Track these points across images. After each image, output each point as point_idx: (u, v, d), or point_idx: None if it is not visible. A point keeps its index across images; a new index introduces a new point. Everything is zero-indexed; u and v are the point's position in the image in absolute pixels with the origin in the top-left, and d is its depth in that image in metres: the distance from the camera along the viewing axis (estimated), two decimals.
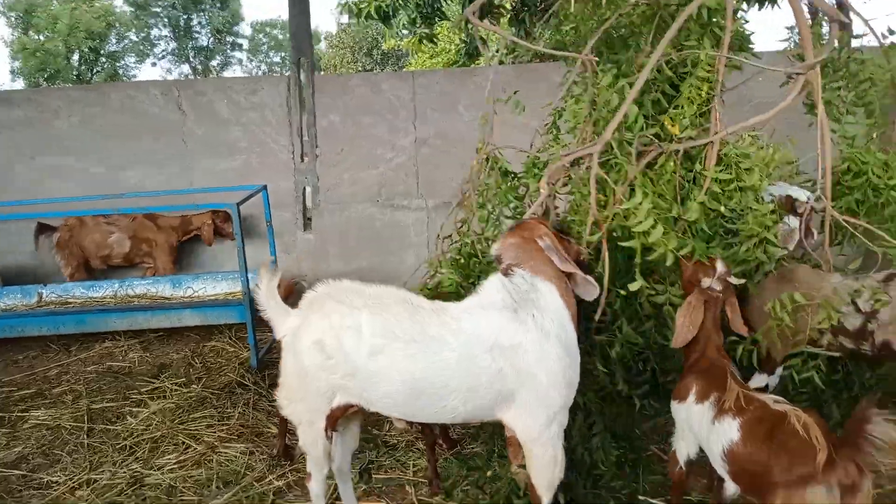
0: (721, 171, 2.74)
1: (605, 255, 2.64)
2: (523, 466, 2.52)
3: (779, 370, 3.33)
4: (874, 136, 3.15)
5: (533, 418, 2.33)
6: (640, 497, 2.98)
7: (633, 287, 2.55)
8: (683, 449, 2.58)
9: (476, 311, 2.36)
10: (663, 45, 2.59)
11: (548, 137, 3.37)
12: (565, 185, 3.00)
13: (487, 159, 3.28)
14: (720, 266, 2.50)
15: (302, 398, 2.45)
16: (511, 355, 2.28)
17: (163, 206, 5.49)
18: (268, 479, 3.34)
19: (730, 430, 2.27)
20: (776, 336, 3.11)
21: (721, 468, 2.35)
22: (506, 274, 2.46)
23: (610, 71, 2.75)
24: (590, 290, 2.50)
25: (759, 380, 3.34)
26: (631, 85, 2.75)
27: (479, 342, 2.27)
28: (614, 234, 2.73)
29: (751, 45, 3.33)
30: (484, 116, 3.26)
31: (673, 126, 2.81)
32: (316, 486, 2.67)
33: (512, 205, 3.23)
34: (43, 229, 5.62)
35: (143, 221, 5.60)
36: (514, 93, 3.25)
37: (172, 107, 5.97)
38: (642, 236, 2.50)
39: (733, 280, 2.52)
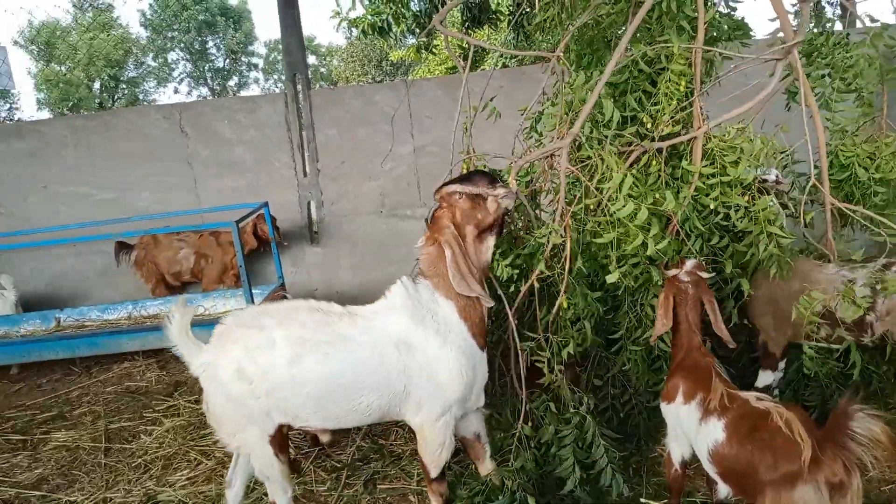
0: (706, 165, 2.70)
1: (568, 251, 2.65)
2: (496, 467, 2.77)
3: (781, 365, 3.28)
4: (861, 124, 3.06)
5: (428, 410, 2.55)
6: (642, 500, 2.95)
7: (611, 279, 2.55)
8: (677, 450, 2.55)
9: (384, 311, 2.56)
10: (627, 37, 2.58)
11: (530, 142, 3.35)
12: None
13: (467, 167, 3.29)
14: (689, 261, 2.50)
15: (245, 425, 2.50)
16: (413, 353, 2.47)
17: (169, 228, 5.60)
18: None
19: (715, 431, 2.24)
20: (773, 329, 3.06)
21: (710, 469, 2.32)
22: (418, 276, 2.63)
23: (583, 70, 2.74)
24: (486, 301, 2.62)
25: (763, 378, 3.29)
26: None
27: (387, 340, 2.46)
28: (582, 230, 2.74)
29: (746, 33, 3.27)
30: (464, 124, 3.27)
31: (654, 124, 2.78)
32: None
33: None
34: (122, 248, 5.82)
35: (207, 238, 5.70)
36: (491, 99, 3.26)
37: (175, 130, 6.09)
38: (617, 227, 2.48)
39: (703, 274, 2.50)
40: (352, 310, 2.59)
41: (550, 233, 2.62)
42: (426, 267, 2.60)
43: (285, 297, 2.76)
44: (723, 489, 2.30)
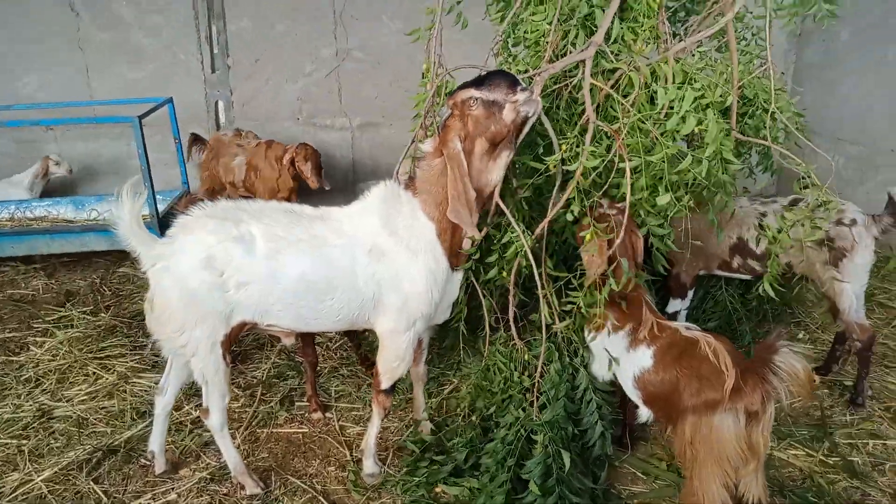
0: (680, 86, 2.43)
1: (628, 173, 2.30)
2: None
3: (690, 294, 3.46)
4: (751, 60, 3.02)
5: (394, 321, 2.54)
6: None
7: (662, 201, 2.32)
8: (598, 372, 2.65)
9: (358, 214, 2.52)
10: None
11: (501, 59, 3.05)
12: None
13: (439, 90, 2.86)
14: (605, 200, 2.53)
15: (196, 323, 2.38)
16: (382, 260, 2.46)
17: (60, 120, 4.99)
18: (185, 409, 3.27)
19: (643, 358, 2.32)
20: (687, 261, 3.17)
21: (633, 394, 2.42)
22: (407, 187, 2.53)
23: None
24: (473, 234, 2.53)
25: (672, 305, 3.47)
26: None
27: (359, 244, 2.45)
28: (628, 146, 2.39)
29: None
30: (418, 31, 2.89)
31: (635, 42, 2.58)
32: (218, 418, 2.61)
33: None
34: (196, 140, 5.20)
35: (261, 147, 4.99)
36: (458, 2, 2.92)
37: (65, 7, 5.34)
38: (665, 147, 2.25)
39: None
40: (325, 212, 2.55)
41: (580, 153, 2.33)
42: (421, 181, 2.47)
43: (201, 201, 2.55)
44: (644, 413, 2.41)
